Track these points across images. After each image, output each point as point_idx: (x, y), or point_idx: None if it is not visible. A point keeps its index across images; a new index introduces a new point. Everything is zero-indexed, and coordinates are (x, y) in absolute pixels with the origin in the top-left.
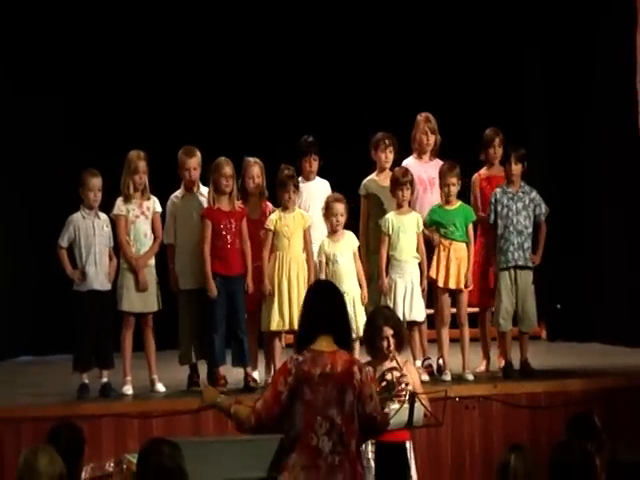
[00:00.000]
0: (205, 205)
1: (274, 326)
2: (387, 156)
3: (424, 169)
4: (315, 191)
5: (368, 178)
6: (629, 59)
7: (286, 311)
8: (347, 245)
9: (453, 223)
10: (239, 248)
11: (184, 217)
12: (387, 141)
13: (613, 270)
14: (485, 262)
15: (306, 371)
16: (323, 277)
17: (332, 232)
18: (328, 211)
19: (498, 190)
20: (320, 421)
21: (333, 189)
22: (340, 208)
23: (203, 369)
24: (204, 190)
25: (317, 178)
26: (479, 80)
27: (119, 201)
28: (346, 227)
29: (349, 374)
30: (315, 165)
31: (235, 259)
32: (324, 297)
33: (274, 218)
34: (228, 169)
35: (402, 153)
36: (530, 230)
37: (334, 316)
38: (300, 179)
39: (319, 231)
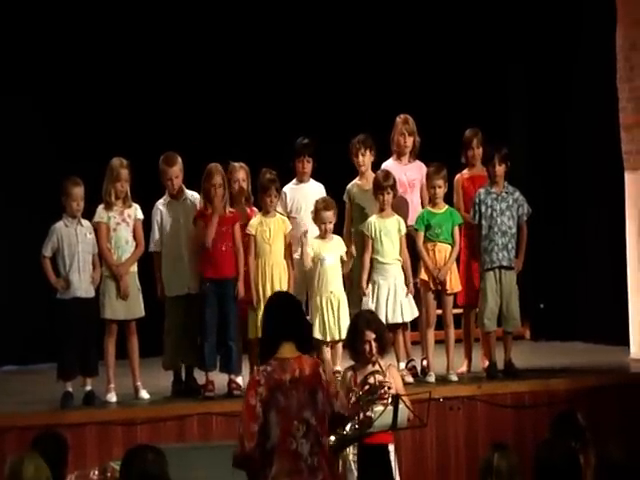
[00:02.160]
0: (190, 211)
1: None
2: (363, 160)
3: (404, 171)
4: (308, 193)
5: (351, 183)
6: (610, 57)
7: None
8: (335, 248)
9: (440, 226)
10: (230, 253)
11: (169, 224)
12: (360, 145)
13: (596, 270)
14: (469, 263)
15: (277, 379)
16: (309, 265)
17: (320, 237)
18: (317, 217)
19: (482, 191)
20: (297, 425)
21: (327, 193)
22: (328, 215)
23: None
24: (190, 194)
25: (311, 180)
26: (462, 81)
27: (100, 209)
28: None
29: (317, 375)
30: (309, 167)
31: (225, 263)
32: (285, 307)
33: (255, 223)
34: (218, 178)
35: (386, 155)
36: (514, 230)
37: (295, 324)
38: (294, 181)
39: (310, 233)
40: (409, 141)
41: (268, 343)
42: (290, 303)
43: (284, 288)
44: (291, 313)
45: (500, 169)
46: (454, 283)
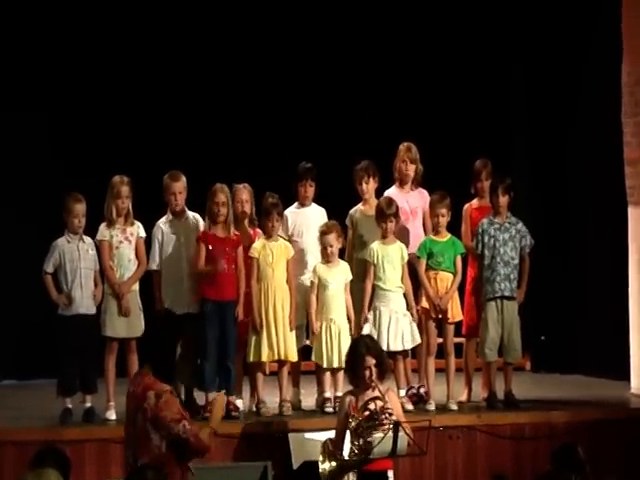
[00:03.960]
0: (191, 230)
1: (264, 357)
2: (366, 188)
3: (406, 199)
4: (310, 217)
5: (354, 208)
6: (615, 92)
7: (274, 342)
8: (340, 274)
9: (442, 254)
10: (232, 275)
11: (170, 243)
12: (363, 172)
13: (597, 303)
14: (473, 293)
15: (128, 388)
16: (314, 299)
17: (325, 260)
18: (322, 240)
19: (485, 221)
20: (127, 435)
21: (330, 217)
22: (330, 239)
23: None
24: (191, 215)
25: (313, 204)
26: (466, 109)
27: (102, 226)
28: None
29: (143, 397)
30: (311, 191)
31: (227, 285)
32: (158, 330)
33: (258, 246)
34: (222, 196)
35: (390, 180)
36: (517, 261)
37: (153, 346)
38: (295, 204)
39: (313, 257)
40: (411, 169)
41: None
42: (162, 326)
43: (286, 312)
44: (158, 338)
45: (503, 199)
46: (455, 312)
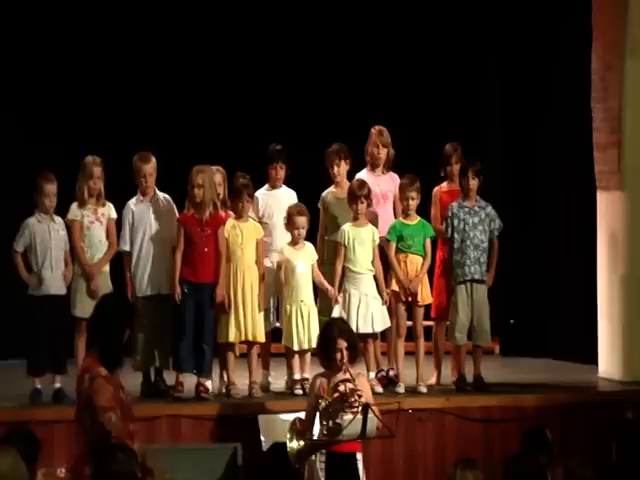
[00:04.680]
0: (162, 211)
1: (231, 338)
2: (338, 170)
3: (377, 182)
4: (280, 199)
5: (326, 191)
6: (585, 78)
7: (241, 322)
8: (307, 256)
9: (412, 237)
10: (211, 257)
11: (141, 224)
12: (335, 155)
13: (567, 287)
14: (442, 276)
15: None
16: (283, 279)
17: (293, 243)
18: (290, 223)
19: (454, 204)
20: None
21: (300, 199)
22: (302, 221)
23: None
24: (162, 196)
25: (283, 186)
26: (438, 93)
27: (74, 206)
28: (305, 238)
29: (80, 379)
30: (282, 173)
31: (205, 267)
32: (101, 311)
33: (227, 227)
34: (199, 179)
35: (361, 164)
36: (486, 245)
37: (100, 330)
38: (266, 186)
39: (282, 239)
40: (383, 153)
41: None
42: (107, 312)
43: (254, 293)
44: (105, 321)
45: (473, 183)
46: (425, 295)
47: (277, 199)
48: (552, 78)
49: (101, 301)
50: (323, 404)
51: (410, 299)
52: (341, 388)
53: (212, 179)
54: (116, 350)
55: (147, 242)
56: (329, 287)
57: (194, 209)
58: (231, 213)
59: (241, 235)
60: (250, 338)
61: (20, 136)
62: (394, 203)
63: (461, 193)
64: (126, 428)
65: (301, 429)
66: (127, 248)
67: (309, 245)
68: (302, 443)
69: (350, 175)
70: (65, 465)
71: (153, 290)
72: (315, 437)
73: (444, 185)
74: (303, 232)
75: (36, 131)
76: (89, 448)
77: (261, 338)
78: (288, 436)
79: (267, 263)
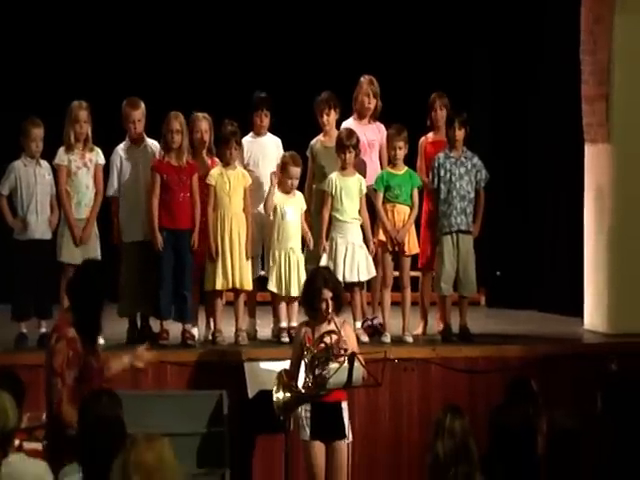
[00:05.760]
0: (150, 158)
1: (218, 285)
2: (327, 119)
3: (363, 131)
4: (265, 147)
5: (315, 139)
6: (575, 30)
7: (229, 270)
8: (297, 204)
9: (399, 187)
10: (187, 203)
11: (129, 170)
12: (324, 104)
13: (553, 239)
14: (428, 226)
15: None
16: (270, 211)
17: (285, 191)
18: (284, 171)
19: (441, 155)
20: None
21: (285, 147)
22: (296, 171)
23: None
24: (150, 142)
25: (268, 134)
26: (427, 45)
27: (61, 150)
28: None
29: (50, 335)
30: (266, 121)
31: (183, 213)
32: (82, 278)
33: (215, 174)
34: (176, 124)
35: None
36: (472, 195)
37: (77, 297)
38: (251, 134)
39: (266, 186)
40: (373, 102)
41: None
42: (88, 281)
43: (242, 241)
44: (81, 289)
45: (459, 133)
46: (412, 245)
47: (262, 147)
48: (543, 30)
49: (83, 267)
50: (308, 356)
51: (397, 249)
52: (326, 340)
53: (184, 125)
54: (91, 320)
55: (135, 188)
56: (310, 240)
57: (171, 155)
58: (217, 160)
59: (229, 183)
60: (237, 286)
61: (7, 80)
62: (380, 153)
63: (447, 144)
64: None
65: (287, 381)
66: (115, 194)
67: (299, 194)
68: (288, 395)
69: (336, 124)
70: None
71: (139, 236)
72: (301, 389)
73: (430, 136)
74: (296, 182)
75: (24, 75)
76: (48, 401)
77: (248, 286)
78: (274, 388)
79: (254, 210)
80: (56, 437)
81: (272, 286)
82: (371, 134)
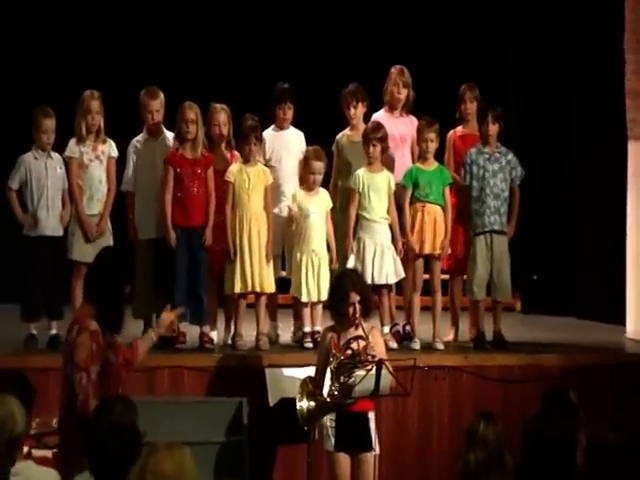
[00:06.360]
0: (167, 151)
1: (237, 289)
2: (354, 112)
3: (395, 124)
4: (288, 141)
5: (341, 133)
6: (618, 29)
7: (248, 273)
8: (321, 203)
9: (429, 185)
10: (202, 198)
11: (145, 163)
12: (352, 96)
13: (594, 240)
14: (457, 227)
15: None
16: (293, 228)
17: (307, 188)
18: (306, 167)
19: (473, 150)
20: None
21: (308, 142)
22: (319, 166)
23: None
24: (169, 135)
25: (291, 128)
26: (460, 31)
27: (72, 142)
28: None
29: (70, 329)
30: (290, 114)
31: (197, 210)
32: (100, 265)
33: (234, 170)
34: (191, 114)
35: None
36: (507, 194)
37: (96, 285)
38: (273, 127)
39: (291, 183)
40: (403, 93)
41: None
42: (106, 267)
43: (262, 241)
44: (101, 277)
45: (493, 128)
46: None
47: (285, 141)
48: (585, 25)
49: (101, 254)
50: (334, 363)
51: (427, 251)
52: (353, 346)
53: (199, 115)
54: (113, 309)
55: (151, 182)
56: (333, 246)
57: (185, 147)
58: (237, 154)
59: (248, 180)
60: (257, 289)
61: (18, 68)
62: (412, 148)
63: (480, 139)
64: (108, 390)
65: (312, 389)
66: (130, 188)
67: (324, 192)
68: (312, 404)
69: (366, 117)
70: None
71: (155, 233)
72: (326, 398)
73: (459, 129)
74: (319, 178)
75: (35, 64)
76: (63, 402)
77: (269, 288)
78: (298, 396)
79: (275, 210)
80: (69, 441)
81: (295, 290)
82: (403, 127)
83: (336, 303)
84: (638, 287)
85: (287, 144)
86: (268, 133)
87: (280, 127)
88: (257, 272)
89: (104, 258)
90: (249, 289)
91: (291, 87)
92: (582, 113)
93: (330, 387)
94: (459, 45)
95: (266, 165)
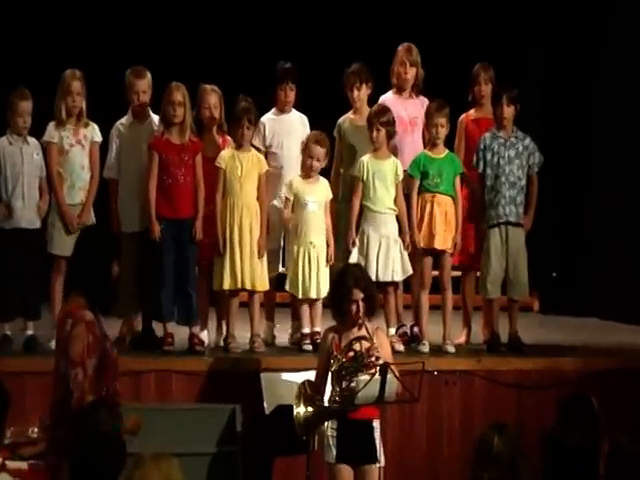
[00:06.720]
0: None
1: (225, 285)
2: (358, 95)
3: (404, 106)
4: (290, 126)
5: (343, 117)
6: None
7: (238, 268)
8: (320, 192)
9: (439, 174)
10: (190, 188)
11: (130, 148)
12: (355, 77)
13: (617, 235)
14: (470, 218)
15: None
16: (288, 216)
17: (305, 175)
18: (306, 151)
19: (487, 135)
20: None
21: (314, 126)
22: (318, 151)
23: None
24: (155, 118)
25: (293, 110)
26: (474, 11)
27: (51, 126)
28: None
29: (61, 324)
30: (292, 95)
31: (185, 200)
32: (83, 246)
33: (225, 156)
34: (178, 96)
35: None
36: (524, 182)
37: (84, 269)
38: (273, 110)
39: (293, 171)
40: (411, 72)
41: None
42: (90, 246)
43: (254, 235)
44: (85, 257)
45: (508, 110)
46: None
47: (286, 125)
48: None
49: (82, 235)
50: (335, 366)
51: (437, 246)
52: (356, 347)
53: (187, 97)
54: (103, 289)
55: (136, 170)
56: (332, 242)
57: (172, 131)
58: (229, 139)
59: (240, 167)
60: (247, 286)
61: None
62: (423, 132)
63: (495, 123)
64: (106, 383)
65: (310, 394)
66: (113, 175)
67: (324, 181)
68: (311, 410)
69: (372, 100)
70: (38, 421)
71: (141, 226)
72: (326, 403)
73: (471, 112)
74: (317, 164)
75: (11, 42)
76: (56, 402)
77: (262, 286)
78: (295, 401)
79: (275, 202)
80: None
81: (290, 286)
82: (413, 109)
83: (337, 301)
84: None
85: (289, 128)
86: (268, 117)
87: (281, 110)
88: (248, 268)
89: (84, 237)
90: (239, 286)
91: (293, 67)
92: (604, 95)
93: (331, 393)
94: (467, 18)
95: (266, 152)
